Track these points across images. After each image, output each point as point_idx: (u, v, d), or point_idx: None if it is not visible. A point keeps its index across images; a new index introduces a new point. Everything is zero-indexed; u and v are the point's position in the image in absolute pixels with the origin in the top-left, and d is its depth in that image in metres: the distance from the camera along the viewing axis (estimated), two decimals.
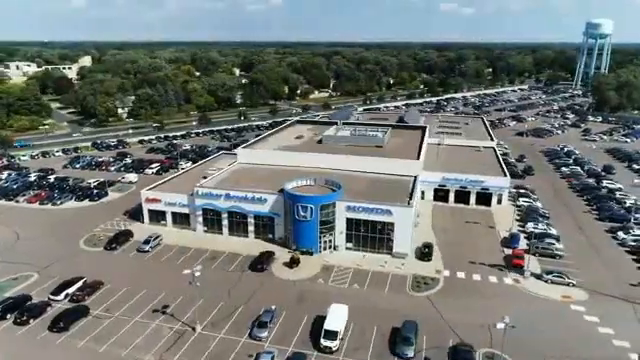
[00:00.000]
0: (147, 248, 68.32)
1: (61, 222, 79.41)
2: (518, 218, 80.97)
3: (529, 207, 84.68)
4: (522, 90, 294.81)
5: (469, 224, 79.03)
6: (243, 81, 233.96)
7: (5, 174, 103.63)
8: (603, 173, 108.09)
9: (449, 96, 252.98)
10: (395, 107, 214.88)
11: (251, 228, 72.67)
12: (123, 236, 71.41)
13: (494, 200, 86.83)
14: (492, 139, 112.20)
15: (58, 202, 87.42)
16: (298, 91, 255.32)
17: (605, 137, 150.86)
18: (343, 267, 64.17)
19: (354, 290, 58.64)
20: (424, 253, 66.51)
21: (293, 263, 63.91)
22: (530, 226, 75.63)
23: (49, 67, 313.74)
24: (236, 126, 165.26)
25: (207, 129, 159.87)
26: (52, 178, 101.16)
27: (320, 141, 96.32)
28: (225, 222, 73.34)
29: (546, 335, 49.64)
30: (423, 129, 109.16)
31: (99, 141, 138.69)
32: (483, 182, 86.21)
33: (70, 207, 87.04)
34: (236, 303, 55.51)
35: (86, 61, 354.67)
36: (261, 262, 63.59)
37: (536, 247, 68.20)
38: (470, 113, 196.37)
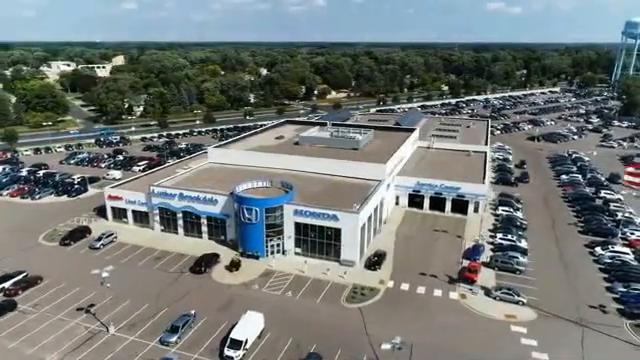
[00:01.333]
0: (98, 245, 68.71)
1: (32, 216, 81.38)
2: (492, 228, 76.27)
3: (507, 217, 79.41)
4: (553, 92, 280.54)
5: (437, 232, 74.93)
6: (259, 81, 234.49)
7: (0, 168, 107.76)
8: (606, 182, 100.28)
9: (470, 98, 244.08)
10: (410, 109, 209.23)
11: (204, 229, 71.77)
12: (79, 232, 72.16)
13: (470, 208, 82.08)
14: (486, 143, 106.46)
15: (37, 197, 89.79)
16: (315, 92, 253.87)
17: (624, 143, 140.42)
18: (285, 273, 62.07)
19: (285, 298, 56.44)
20: (373, 262, 63.33)
21: (232, 267, 62.44)
22: (498, 237, 70.92)
23: (85, 66, 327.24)
24: (241, 125, 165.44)
25: (210, 128, 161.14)
26: (41, 173, 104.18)
27: (297, 142, 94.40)
28: (180, 222, 72.81)
29: (467, 357, 45.74)
30: (411, 131, 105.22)
31: (102, 138, 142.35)
32: (459, 189, 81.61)
33: (47, 202, 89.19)
34: (162, 305, 54.60)
35: (119, 60, 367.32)
36: (201, 264, 62.47)
37: (495, 260, 63.66)
38: (485, 116, 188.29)
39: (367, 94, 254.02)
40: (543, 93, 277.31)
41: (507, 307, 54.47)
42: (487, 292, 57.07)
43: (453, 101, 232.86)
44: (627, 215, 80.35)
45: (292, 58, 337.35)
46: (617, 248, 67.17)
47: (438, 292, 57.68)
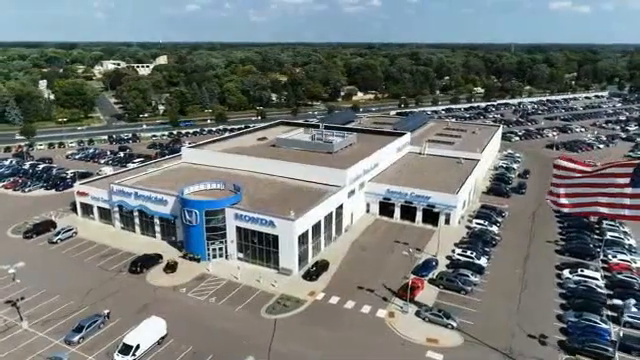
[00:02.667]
0: (55, 239, 70.75)
1: (13, 208, 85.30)
2: (458, 242, 71.19)
3: (478, 231, 73.90)
4: (598, 97, 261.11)
5: (397, 244, 70.84)
6: (284, 81, 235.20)
7: (8, 161, 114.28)
8: None
9: (503, 102, 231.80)
10: (433, 112, 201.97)
11: (157, 229, 72.05)
12: (43, 226, 74.64)
13: (441, 219, 77.18)
14: (482, 151, 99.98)
15: (26, 189, 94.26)
16: (342, 93, 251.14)
17: None
18: (219, 278, 60.88)
19: (206, 304, 55.21)
20: (311, 272, 60.82)
21: (168, 269, 62.07)
22: (457, 253, 66.06)
23: (129, 65, 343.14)
24: (252, 125, 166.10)
25: (221, 127, 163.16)
26: (40, 167, 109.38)
27: (274, 145, 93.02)
28: (137, 220, 73.56)
29: None
30: (400, 136, 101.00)
31: (114, 135, 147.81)
32: (429, 198, 76.96)
33: (33, 195, 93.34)
34: (85, 303, 55.11)
35: (162, 60, 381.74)
36: (138, 264, 62.53)
37: (440, 278, 59.19)
38: (510, 121, 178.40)
39: (395, 96, 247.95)
40: (587, 97, 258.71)
41: (433, 330, 50.33)
42: (418, 312, 53.07)
43: (483, 104, 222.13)
44: (620, 236, 72.38)
45: (331, 59, 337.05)
46: (586, 272, 60.43)
47: (367, 308, 54.31)
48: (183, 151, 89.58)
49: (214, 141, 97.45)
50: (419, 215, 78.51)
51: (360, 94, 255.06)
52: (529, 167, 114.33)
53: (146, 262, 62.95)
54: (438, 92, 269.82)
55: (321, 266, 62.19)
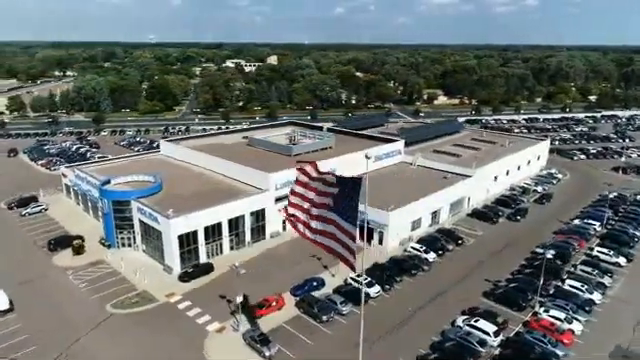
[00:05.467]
0: (24, 213, 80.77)
1: (28, 183, 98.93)
2: (370, 266, 62.96)
3: (403, 257, 64.49)
4: None
5: (312, 258, 65.12)
6: (360, 82, 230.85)
7: (67, 143, 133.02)
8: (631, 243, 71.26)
9: (611, 113, 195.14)
10: (511, 121, 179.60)
11: (100, 213, 77.33)
12: (26, 200, 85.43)
13: (376, 238, 69.05)
14: (477, 168, 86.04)
15: (52, 169, 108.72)
16: (425, 95, 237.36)
17: None
18: (109, 266, 63.17)
19: (74, 289, 57.89)
20: (187, 273, 59.77)
21: (74, 251, 66.32)
22: (349, 277, 58.63)
23: (239, 63, 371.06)
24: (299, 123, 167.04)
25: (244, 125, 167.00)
26: (82, 150, 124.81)
27: (249, 144, 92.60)
28: (89, 204, 79.98)
29: None
30: (390, 142, 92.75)
31: (170, 128, 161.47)
32: (364, 214, 69.16)
33: (56, 173, 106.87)
34: None
35: (272, 60, 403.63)
36: (58, 243, 67.98)
37: (302, 300, 53.54)
38: (598, 136, 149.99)
39: (483, 101, 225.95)
40: None
41: (246, 355, 45.82)
42: (245, 332, 48.64)
43: (581, 115, 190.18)
44: (583, 287, 56.48)
45: (436, 61, 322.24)
46: (481, 323, 48.70)
47: (205, 318, 51.58)
48: (161, 144, 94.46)
49: (199, 137, 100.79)
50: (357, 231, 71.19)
51: (443, 98, 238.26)
52: (557, 191, 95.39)
53: (61, 242, 68.18)
54: (539, 99, 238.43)
55: (202, 269, 60.70)
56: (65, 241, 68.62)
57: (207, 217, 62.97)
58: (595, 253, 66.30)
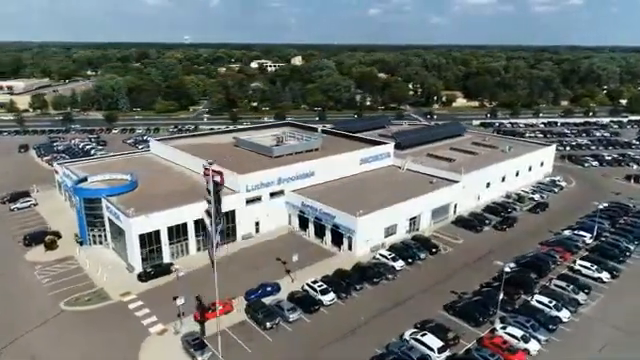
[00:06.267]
0: (13, 207, 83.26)
1: (29, 179, 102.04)
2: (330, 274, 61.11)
3: (369, 264, 62.17)
4: None
5: (278, 262, 64.22)
6: (376, 84, 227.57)
7: (67, 141, 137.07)
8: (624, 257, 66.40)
9: (639, 118, 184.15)
10: (528, 125, 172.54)
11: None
12: (18, 195, 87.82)
13: (345, 243, 67.16)
14: (465, 173, 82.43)
15: (54, 164, 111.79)
16: (444, 98, 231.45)
17: None
18: (75, 263, 63.99)
19: (35, 284, 58.86)
20: (146, 273, 59.79)
21: (46, 247, 67.52)
22: (307, 283, 57.06)
23: (263, 63, 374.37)
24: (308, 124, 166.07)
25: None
26: (87, 147, 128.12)
27: (236, 145, 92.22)
28: (73, 200, 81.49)
29: None
30: (379, 144, 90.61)
31: (180, 125, 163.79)
32: (334, 218, 67.57)
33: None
34: None
35: (297, 61, 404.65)
36: (33, 238, 69.43)
37: (248, 306, 52.47)
38: (620, 142, 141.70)
39: (504, 104, 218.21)
40: None
41: (181, 358, 45.12)
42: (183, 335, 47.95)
43: (605, 120, 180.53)
44: (551, 304, 52.75)
45: (462, 62, 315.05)
46: (427, 338, 46.15)
47: (151, 319, 51.41)
48: (151, 143, 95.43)
49: (190, 136, 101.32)
50: (328, 235, 69.65)
51: (462, 100, 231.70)
52: (557, 200, 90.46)
53: (36, 238, 69.48)
54: (566, 103, 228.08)
55: (162, 270, 60.56)
56: (40, 237, 69.94)
57: (170, 217, 62.82)
58: (577, 267, 62.16)
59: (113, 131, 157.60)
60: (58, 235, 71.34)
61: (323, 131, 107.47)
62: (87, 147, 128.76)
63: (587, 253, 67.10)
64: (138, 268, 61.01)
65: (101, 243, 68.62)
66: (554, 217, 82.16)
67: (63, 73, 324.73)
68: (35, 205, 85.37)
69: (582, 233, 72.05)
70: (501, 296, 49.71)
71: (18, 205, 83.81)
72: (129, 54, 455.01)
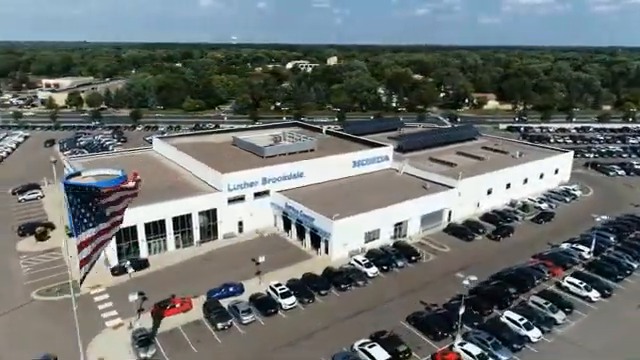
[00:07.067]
0: (20, 198, 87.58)
1: (43, 170, 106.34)
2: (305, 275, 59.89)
3: (341, 269, 60.44)
4: None
5: (252, 263, 63.82)
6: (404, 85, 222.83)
7: (91, 137, 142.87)
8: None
9: None
10: (559, 129, 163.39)
11: None
12: (29, 187, 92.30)
13: (322, 247, 65.78)
14: (461, 179, 78.67)
15: (74, 156, 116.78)
16: (474, 100, 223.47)
17: None
18: (59, 254, 66.14)
19: (16, 271, 61.41)
20: (120, 267, 61.00)
21: (37, 237, 70.29)
22: (270, 286, 56.12)
23: (298, 63, 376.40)
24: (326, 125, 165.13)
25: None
26: (108, 143, 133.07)
27: (234, 144, 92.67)
28: None
29: None
30: (377, 146, 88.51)
31: (201, 124, 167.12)
32: (313, 220, 66.30)
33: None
34: None
35: (332, 61, 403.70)
36: (27, 229, 72.54)
37: (204, 304, 51.99)
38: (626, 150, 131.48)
39: (539, 108, 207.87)
40: None
41: (126, 354, 45.55)
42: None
43: None
44: (521, 322, 49.22)
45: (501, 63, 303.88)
46: (374, 350, 44.15)
47: (110, 314, 52.34)
48: (154, 141, 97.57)
49: (192, 135, 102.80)
50: (308, 237, 68.50)
51: (494, 102, 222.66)
52: (567, 210, 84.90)
53: (30, 228, 72.57)
54: (609, 107, 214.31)
55: (136, 265, 61.56)
56: (34, 227, 73.03)
57: (147, 213, 63.72)
58: (565, 283, 57.81)
59: (137, 128, 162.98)
60: (52, 226, 74.24)
61: (327, 132, 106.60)
62: (107, 143, 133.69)
63: (582, 269, 62.40)
64: (114, 262, 62.34)
65: None
66: (558, 228, 77.01)
67: (107, 72, 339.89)
68: (42, 197, 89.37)
69: (581, 247, 67.01)
70: (462, 310, 46.80)
71: (25, 197, 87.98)
72: (174, 54, 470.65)
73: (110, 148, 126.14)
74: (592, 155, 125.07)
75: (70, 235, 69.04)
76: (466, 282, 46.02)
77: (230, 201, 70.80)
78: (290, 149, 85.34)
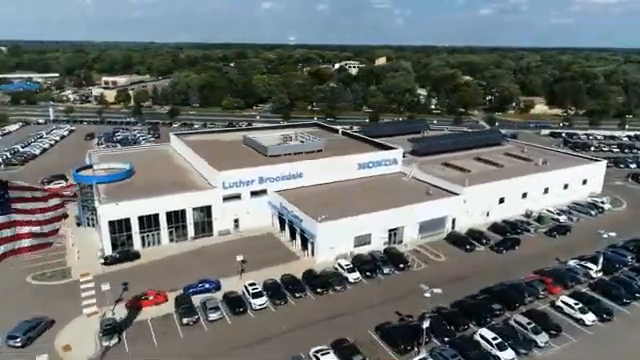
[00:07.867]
0: (46, 187, 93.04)
1: (77, 162, 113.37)
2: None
3: (322, 273, 59.27)
4: None
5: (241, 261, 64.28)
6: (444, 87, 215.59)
7: (127, 132, 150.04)
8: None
9: None
10: (609, 137, 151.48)
11: None
12: (56, 177, 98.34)
13: (309, 248, 64.88)
14: (467, 186, 74.65)
15: (101, 149, 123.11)
16: (521, 103, 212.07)
17: None
18: (62, 240, 69.19)
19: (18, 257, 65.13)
20: (111, 257, 63.55)
21: None
22: (246, 284, 56.02)
23: (342, 64, 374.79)
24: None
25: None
26: (140, 137, 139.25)
27: (244, 142, 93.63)
28: None
29: None
30: (386, 149, 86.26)
31: (234, 123, 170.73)
32: (302, 221, 65.57)
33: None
34: None
35: (381, 61, 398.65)
36: None
37: (176, 299, 52.62)
38: None
39: (592, 113, 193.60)
40: None
41: (91, 341, 47.20)
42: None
43: None
44: (492, 339, 45.93)
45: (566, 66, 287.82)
46: (326, 358, 42.77)
47: (92, 302, 54.28)
48: (171, 137, 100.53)
49: (206, 132, 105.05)
50: (298, 239, 67.89)
51: (543, 107, 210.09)
52: (590, 224, 78.32)
53: None
54: None
55: (126, 256, 63.77)
56: None
57: (141, 207, 65.80)
58: (559, 303, 53.33)
59: (173, 125, 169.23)
60: (65, 215, 78.41)
61: (343, 133, 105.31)
62: (141, 139, 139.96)
63: (585, 289, 57.34)
64: (108, 253, 64.91)
65: (93, 226, 74.19)
66: (572, 243, 71.26)
67: (161, 70, 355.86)
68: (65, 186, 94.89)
69: (589, 265, 61.53)
70: (425, 324, 44.24)
71: (51, 186, 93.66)
72: (229, 54, 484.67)
73: (142, 143, 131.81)
74: (636, 165, 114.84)
75: (78, 224, 73.32)
76: (427, 295, 43.51)
77: (225, 199, 71.58)
78: (296, 149, 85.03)
